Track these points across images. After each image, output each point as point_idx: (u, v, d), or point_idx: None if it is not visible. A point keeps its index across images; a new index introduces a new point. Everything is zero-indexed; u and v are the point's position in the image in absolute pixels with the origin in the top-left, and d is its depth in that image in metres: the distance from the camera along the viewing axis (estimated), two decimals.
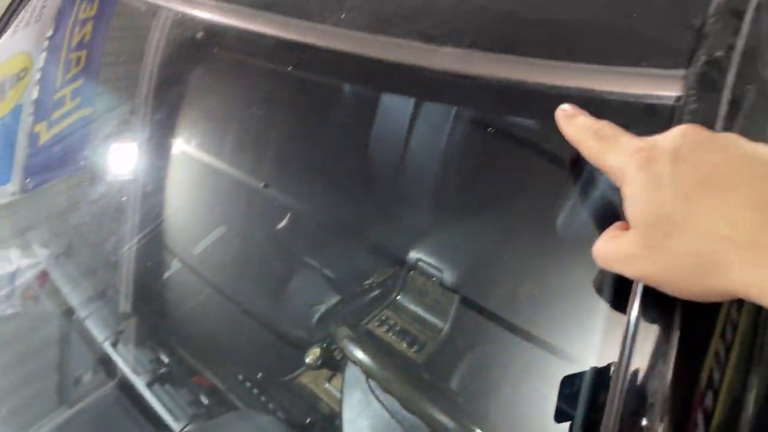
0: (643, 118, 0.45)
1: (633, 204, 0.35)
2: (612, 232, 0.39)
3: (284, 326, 0.74)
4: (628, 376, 0.37)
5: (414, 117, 0.69)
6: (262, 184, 0.81)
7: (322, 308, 0.69)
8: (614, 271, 0.38)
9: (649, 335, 0.38)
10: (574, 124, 0.42)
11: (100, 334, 0.81)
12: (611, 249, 0.38)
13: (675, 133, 0.35)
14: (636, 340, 0.38)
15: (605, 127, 0.40)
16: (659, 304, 0.38)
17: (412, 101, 0.69)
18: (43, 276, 0.91)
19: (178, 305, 0.86)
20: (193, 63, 0.89)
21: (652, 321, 0.38)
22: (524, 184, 0.61)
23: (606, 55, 0.48)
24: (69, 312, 0.85)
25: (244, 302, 0.77)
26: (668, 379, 0.36)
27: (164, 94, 0.93)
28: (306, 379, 0.65)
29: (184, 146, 0.89)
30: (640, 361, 0.37)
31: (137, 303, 0.83)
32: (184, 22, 0.84)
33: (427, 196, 0.71)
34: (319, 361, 0.63)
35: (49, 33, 1.06)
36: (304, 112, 0.81)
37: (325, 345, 0.64)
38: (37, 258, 0.93)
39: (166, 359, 0.75)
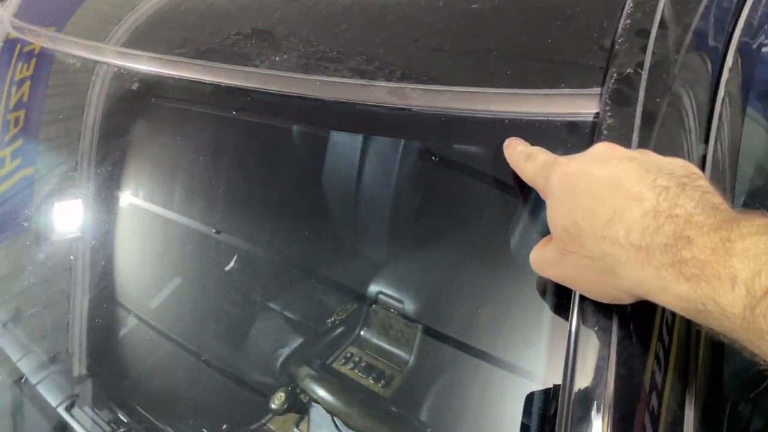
0: (566, 136, 0.47)
1: (551, 214, 0.40)
2: (542, 242, 0.43)
3: (247, 374, 0.72)
4: (575, 385, 0.39)
5: (361, 151, 0.69)
6: (213, 231, 0.81)
7: (286, 351, 0.67)
8: (545, 276, 0.43)
9: (589, 344, 0.39)
10: (513, 152, 0.47)
11: (54, 399, 0.78)
12: (539, 257, 0.43)
13: (590, 150, 0.40)
14: (578, 350, 0.39)
15: (535, 151, 0.45)
16: (596, 313, 0.40)
17: (355, 136, 0.69)
18: None
19: (136, 362, 0.83)
20: (134, 115, 0.89)
21: (591, 329, 0.39)
22: (475, 209, 0.62)
23: (528, 79, 0.51)
24: (20, 380, 0.81)
25: (204, 353, 0.75)
26: (612, 384, 0.37)
27: (107, 148, 0.92)
28: (274, 426, 0.63)
29: (131, 199, 0.87)
30: (584, 370, 0.39)
31: (92, 363, 0.80)
32: (121, 75, 0.84)
33: (381, 229, 0.71)
34: (285, 405, 0.61)
35: None
36: (249, 155, 0.81)
37: (290, 388, 0.62)
38: None
39: (125, 419, 0.72)
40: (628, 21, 0.49)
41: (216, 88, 0.68)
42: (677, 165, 0.36)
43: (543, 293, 0.46)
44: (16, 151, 1.03)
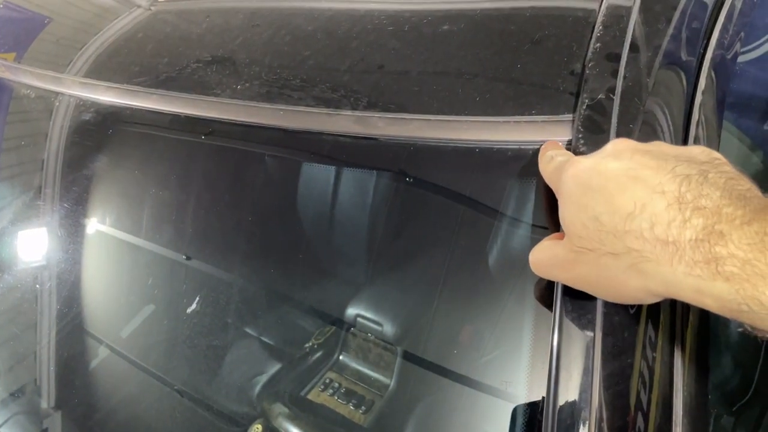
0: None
1: (565, 212, 0.38)
2: (547, 242, 0.41)
3: (224, 403, 0.70)
4: (558, 409, 0.38)
5: (333, 177, 0.68)
6: (183, 257, 0.78)
7: (264, 379, 0.66)
8: (550, 278, 0.41)
9: (572, 365, 0.38)
10: (543, 157, 0.45)
11: None
12: (546, 256, 0.40)
13: (604, 147, 0.38)
14: (560, 373, 0.38)
15: (557, 153, 0.43)
16: (579, 333, 0.38)
17: (328, 163, 0.68)
18: None
19: (106, 395, 0.81)
20: (98, 142, 0.86)
21: (573, 348, 0.38)
22: (451, 233, 0.61)
23: (498, 106, 0.49)
24: None
25: (177, 383, 0.73)
26: (597, 406, 0.36)
27: (71, 175, 0.90)
28: None
29: (98, 226, 0.86)
30: (567, 392, 0.38)
31: (61, 396, 0.78)
32: (83, 104, 0.81)
33: (357, 253, 0.70)
34: None
35: None
36: (216, 181, 0.79)
37: (264, 415, 0.61)
38: None
39: None
40: (598, 44, 0.48)
41: (177, 117, 0.65)
42: (696, 151, 0.35)
43: (522, 313, 0.46)
44: None
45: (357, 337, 0.62)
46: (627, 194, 0.33)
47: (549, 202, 0.44)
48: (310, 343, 0.64)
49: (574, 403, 0.37)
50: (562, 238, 0.39)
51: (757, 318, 0.29)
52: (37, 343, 0.81)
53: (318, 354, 0.64)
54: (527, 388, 0.44)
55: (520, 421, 0.43)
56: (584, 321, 0.39)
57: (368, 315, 0.61)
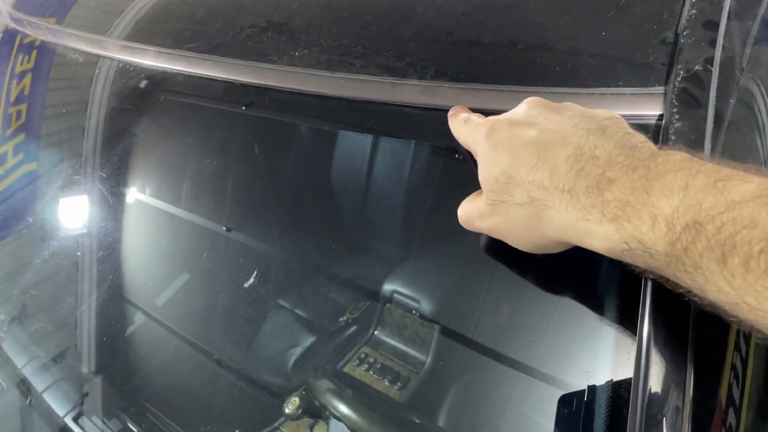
0: None
1: (481, 168, 0.40)
2: (471, 196, 0.44)
3: (259, 374, 0.70)
4: (646, 398, 0.36)
5: (377, 149, 0.66)
6: (224, 228, 0.77)
7: (298, 351, 0.65)
8: (474, 229, 0.44)
9: (663, 352, 0.36)
10: (455, 119, 0.47)
11: (61, 407, 0.75)
12: (469, 209, 0.43)
13: (517, 107, 0.41)
14: (650, 359, 0.36)
15: (472, 115, 0.45)
16: (671, 319, 0.36)
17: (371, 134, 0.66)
18: None
19: (144, 363, 0.81)
20: (141, 110, 0.85)
21: (666, 337, 0.36)
22: None
23: (580, 76, 0.46)
24: (25, 383, 0.79)
25: (214, 353, 0.73)
26: (688, 398, 0.35)
27: (113, 143, 0.89)
28: (287, 430, 0.61)
29: (139, 195, 0.86)
30: (657, 382, 0.36)
31: (102, 362, 0.78)
32: (127, 69, 0.80)
33: (397, 227, 0.69)
34: (299, 411, 0.60)
35: None
36: (261, 152, 0.78)
37: (304, 392, 0.60)
38: None
39: (135, 428, 0.70)
40: (693, 11, 0.44)
41: (229, 84, 0.63)
42: (601, 112, 0.37)
43: (577, 289, 0.45)
44: (18, 146, 1.02)
45: (393, 313, 0.61)
46: (532, 147, 0.36)
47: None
48: (345, 317, 0.63)
49: (663, 396, 0.35)
50: (481, 193, 0.41)
51: (636, 256, 0.31)
52: (78, 309, 0.82)
53: (353, 328, 0.63)
54: (576, 375, 0.43)
55: (570, 409, 0.42)
56: (675, 309, 0.36)
57: (405, 291, 0.61)
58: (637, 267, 0.33)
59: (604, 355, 0.42)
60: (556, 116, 0.37)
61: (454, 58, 0.52)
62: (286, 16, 0.64)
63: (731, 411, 0.36)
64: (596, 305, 0.44)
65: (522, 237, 0.39)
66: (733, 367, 0.37)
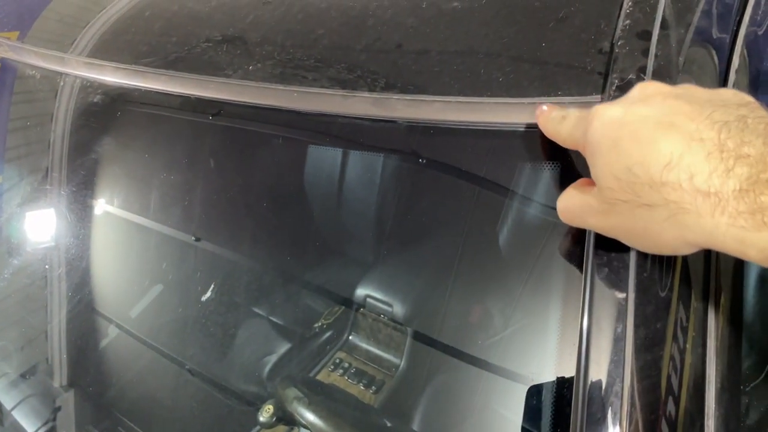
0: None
1: (596, 163, 0.36)
2: (575, 189, 0.39)
3: (234, 383, 0.70)
4: (587, 392, 0.37)
5: (344, 156, 0.67)
6: (193, 239, 0.77)
7: (273, 359, 0.66)
8: (581, 226, 0.40)
9: (602, 343, 0.37)
10: (548, 119, 0.43)
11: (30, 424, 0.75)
12: (577, 203, 0.39)
13: (629, 93, 0.37)
14: (590, 354, 0.38)
15: (569, 110, 0.41)
16: (609, 310, 0.38)
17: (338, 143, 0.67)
18: None
19: (117, 375, 0.81)
20: (104, 125, 0.85)
21: (605, 328, 0.37)
22: (463, 211, 0.60)
23: (524, 87, 0.47)
24: None
25: (188, 363, 0.73)
26: (628, 387, 0.36)
27: (79, 156, 0.89)
28: None
29: (106, 207, 0.85)
30: (598, 373, 0.37)
31: (73, 375, 0.78)
32: (90, 85, 0.79)
33: (367, 233, 0.69)
34: (273, 419, 0.60)
35: None
36: (226, 162, 0.78)
37: (277, 399, 0.60)
38: None
39: None
40: (628, 22, 0.46)
41: (185, 98, 0.64)
42: (728, 95, 0.33)
43: (539, 292, 0.46)
44: None
45: (367, 317, 0.62)
46: (662, 143, 0.32)
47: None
48: (320, 323, 0.64)
49: (604, 387, 0.37)
50: (590, 184, 0.38)
51: None
52: (48, 323, 0.81)
53: (327, 334, 0.63)
54: (542, 370, 0.44)
55: (537, 402, 0.43)
56: (615, 301, 0.38)
57: (378, 295, 0.61)
58: None
59: (550, 352, 0.43)
60: (683, 105, 0.33)
61: (403, 69, 0.53)
62: (240, 30, 0.65)
63: (671, 400, 0.37)
64: (544, 303, 0.45)
65: (650, 240, 0.35)
66: (672, 358, 0.38)
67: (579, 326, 0.39)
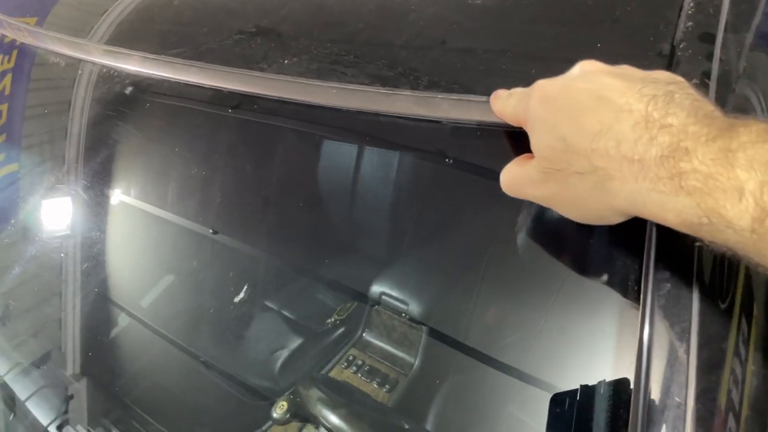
0: None
1: (534, 135, 0.38)
2: (516, 161, 0.42)
3: (246, 377, 0.69)
4: (647, 402, 0.36)
5: (366, 155, 0.65)
6: (210, 231, 0.76)
7: (285, 353, 0.65)
8: (520, 196, 0.42)
9: (662, 355, 0.36)
10: (497, 99, 0.45)
11: (43, 413, 0.74)
12: (516, 174, 0.41)
13: (570, 70, 0.39)
14: (651, 362, 0.36)
15: (515, 90, 0.43)
16: (671, 319, 0.36)
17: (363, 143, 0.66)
18: None
19: (131, 367, 0.80)
20: (124, 114, 0.84)
21: (666, 341, 0.36)
22: (483, 210, 0.59)
23: None
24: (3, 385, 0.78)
25: (202, 356, 0.72)
26: (690, 402, 0.35)
27: (97, 146, 0.88)
28: None
29: (123, 198, 0.84)
30: (657, 387, 0.36)
31: (86, 363, 0.77)
32: (111, 74, 0.78)
33: (386, 231, 0.68)
34: (287, 415, 0.59)
35: None
36: (247, 154, 0.77)
37: (291, 396, 0.60)
38: None
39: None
40: (690, 23, 0.44)
41: (215, 91, 0.62)
42: (662, 75, 0.35)
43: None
44: None
45: (381, 314, 0.61)
46: (594, 114, 0.34)
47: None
48: (332, 319, 0.63)
49: (661, 401, 0.35)
50: (530, 157, 0.40)
51: (715, 231, 0.30)
52: (62, 310, 0.80)
53: (340, 330, 0.62)
54: (572, 375, 0.42)
55: (566, 412, 0.41)
56: (676, 312, 0.37)
57: (394, 293, 0.60)
58: (712, 243, 0.31)
59: (604, 357, 0.42)
60: (616, 80, 0.35)
61: (447, 68, 0.51)
62: (275, 22, 0.63)
63: (731, 416, 0.36)
64: (593, 306, 0.44)
65: (580, 207, 0.38)
66: (733, 372, 0.36)
67: (638, 339, 0.37)
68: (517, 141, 0.44)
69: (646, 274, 0.39)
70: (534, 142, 0.38)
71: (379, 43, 0.56)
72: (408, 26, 0.55)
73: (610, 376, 0.40)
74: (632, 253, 0.41)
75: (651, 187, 0.31)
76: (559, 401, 0.42)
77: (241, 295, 0.65)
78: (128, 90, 0.78)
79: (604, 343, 0.42)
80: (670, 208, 0.31)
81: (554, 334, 0.45)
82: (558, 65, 0.47)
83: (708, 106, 0.32)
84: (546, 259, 0.48)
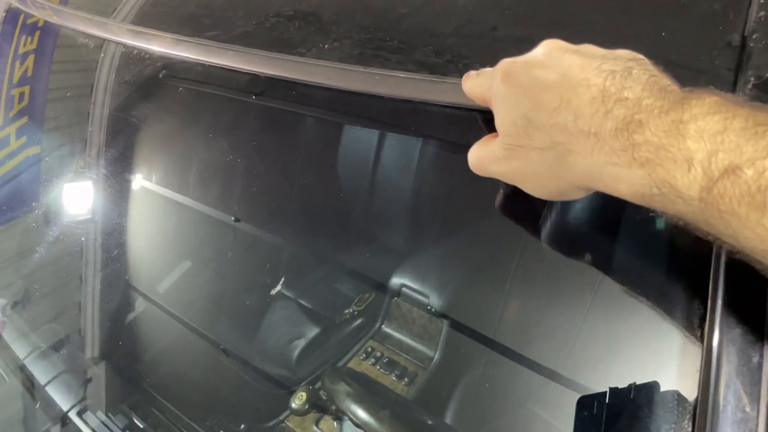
0: None
1: (498, 113, 0.39)
2: (482, 140, 0.42)
3: (264, 366, 0.69)
4: (716, 411, 0.34)
5: (383, 141, 0.64)
6: (232, 219, 0.76)
7: (302, 343, 0.65)
8: (486, 174, 0.42)
9: (730, 365, 0.34)
10: (465, 79, 0.45)
11: (63, 398, 0.74)
12: (481, 153, 0.42)
13: (536, 48, 0.39)
14: (720, 370, 0.34)
15: (483, 70, 0.44)
16: (737, 323, 0.35)
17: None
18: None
19: (151, 353, 0.80)
20: (149, 97, 0.83)
21: (737, 348, 0.34)
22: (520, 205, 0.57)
23: None
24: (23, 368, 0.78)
25: (221, 343, 0.72)
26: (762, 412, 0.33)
27: (119, 129, 0.86)
28: (292, 423, 0.60)
29: (144, 183, 0.84)
30: (725, 398, 0.34)
31: (105, 346, 0.77)
32: (138, 55, 0.76)
33: (406, 220, 0.67)
34: (306, 406, 0.59)
35: None
36: (271, 142, 0.76)
37: (310, 387, 0.60)
38: None
39: (140, 420, 0.68)
40: (762, 13, 0.42)
41: (243, 76, 0.60)
42: (623, 53, 0.36)
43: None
44: (21, 129, 1.01)
45: (401, 306, 0.60)
46: (553, 90, 0.34)
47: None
48: (350, 309, 0.63)
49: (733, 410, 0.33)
50: (496, 137, 0.40)
51: (666, 201, 0.30)
52: (81, 294, 0.81)
53: (359, 321, 0.62)
54: (600, 375, 0.41)
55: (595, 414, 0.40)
56: (747, 318, 0.35)
57: (414, 285, 0.60)
58: (663, 213, 0.32)
59: (657, 362, 0.40)
60: (577, 58, 0.35)
61: (498, 55, 0.49)
62: (314, 5, 0.61)
63: None
64: (637, 308, 0.42)
65: (541, 182, 0.38)
66: None
67: (703, 347, 0.36)
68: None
69: (716, 279, 0.37)
70: (498, 120, 0.39)
71: (426, 29, 0.54)
72: (457, 11, 0.53)
73: (670, 383, 0.38)
74: (695, 255, 0.39)
75: (606, 159, 0.32)
76: (587, 403, 0.41)
77: (278, 287, 0.64)
78: (155, 73, 0.76)
79: (652, 348, 0.41)
80: (624, 180, 0.31)
81: (591, 335, 0.44)
82: None
83: (664, 81, 0.32)
84: (584, 255, 0.47)
